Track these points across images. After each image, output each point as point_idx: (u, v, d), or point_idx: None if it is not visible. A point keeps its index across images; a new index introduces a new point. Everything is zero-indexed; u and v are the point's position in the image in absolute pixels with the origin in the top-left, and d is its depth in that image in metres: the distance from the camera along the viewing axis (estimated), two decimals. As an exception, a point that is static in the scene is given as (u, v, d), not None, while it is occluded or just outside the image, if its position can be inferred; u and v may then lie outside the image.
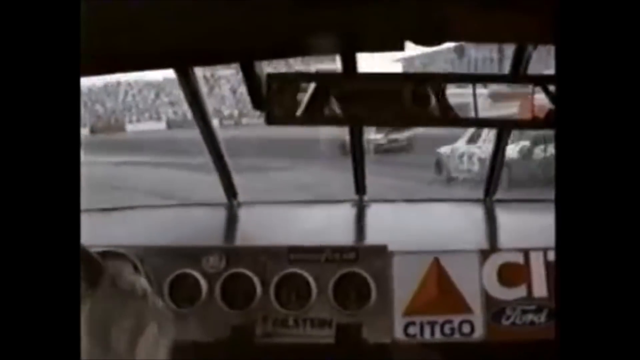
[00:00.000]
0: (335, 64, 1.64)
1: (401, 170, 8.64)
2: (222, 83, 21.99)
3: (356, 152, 2.23)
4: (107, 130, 21.47)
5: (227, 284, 1.75)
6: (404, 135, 10.72)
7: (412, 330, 1.72)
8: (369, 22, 1.08)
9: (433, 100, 1.27)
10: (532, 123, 1.31)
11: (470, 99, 1.28)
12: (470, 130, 8.72)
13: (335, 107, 1.29)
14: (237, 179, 2.32)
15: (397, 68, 12.93)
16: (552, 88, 1.25)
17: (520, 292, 1.73)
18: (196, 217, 2.38)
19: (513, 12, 0.99)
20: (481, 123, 1.48)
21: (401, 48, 1.19)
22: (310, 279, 1.73)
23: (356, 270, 1.73)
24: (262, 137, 11.13)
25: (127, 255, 1.69)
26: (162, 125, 22.35)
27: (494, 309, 1.72)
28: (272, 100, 1.29)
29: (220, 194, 2.33)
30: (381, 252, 1.75)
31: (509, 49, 1.71)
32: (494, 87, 1.31)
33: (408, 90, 1.27)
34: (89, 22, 0.74)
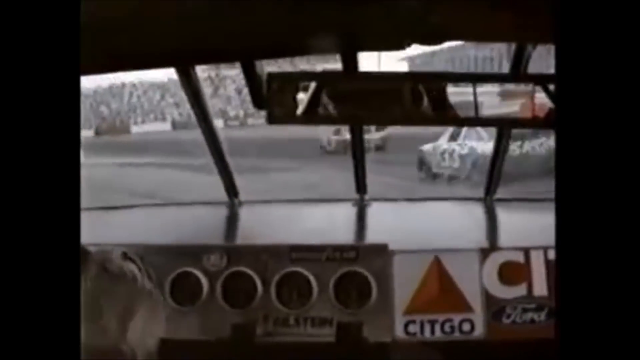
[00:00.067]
0: (339, 64, 1.64)
1: (384, 168, 8.66)
2: (227, 83, 22.00)
3: (357, 151, 2.23)
4: (112, 131, 21.50)
5: (228, 282, 1.75)
6: (377, 135, 10.91)
7: (412, 328, 1.72)
8: (369, 21, 1.08)
9: (433, 99, 1.27)
10: (533, 122, 1.31)
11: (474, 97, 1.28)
12: (451, 128, 8.83)
13: (336, 107, 1.29)
14: (241, 179, 2.32)
15: (403, 67, 12.99)
16: (552, 87, 1.25)
17: (520, 290, 1.74)
18: (197, 216, 2.39)
19: (513, 12, 0.99)
20: (482, 122, 1.48)
21: (401, 48, 1.19)
22: (311, 278, 1.73)
23: (357, 269, 1.74)
24: (268, 137, 11.16)
25: (128, 253, 1.69)
26: (167, 126, 22.40)
27: (495, 307, 1.72)
28: (272, 99, 1.29)
29: (222, 195, 2.34)
30: (382, 251, 1.76)
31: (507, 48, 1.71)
32: (504, 86, 1.31)
33: (408, 90, 1.27)
34: (89, 22, 0.74)
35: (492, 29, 1.20)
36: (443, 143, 10.20)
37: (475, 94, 1.25)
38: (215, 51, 1.34)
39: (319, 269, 1.75)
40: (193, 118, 2.09)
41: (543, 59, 1.69)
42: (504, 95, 1.30)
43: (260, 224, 2.24)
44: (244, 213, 2.34)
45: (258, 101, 1.45)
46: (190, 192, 7.06)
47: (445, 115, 1.28)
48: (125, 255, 1.51)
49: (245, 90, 1.57)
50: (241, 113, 21.55)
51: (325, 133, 12.89)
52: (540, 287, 1.72)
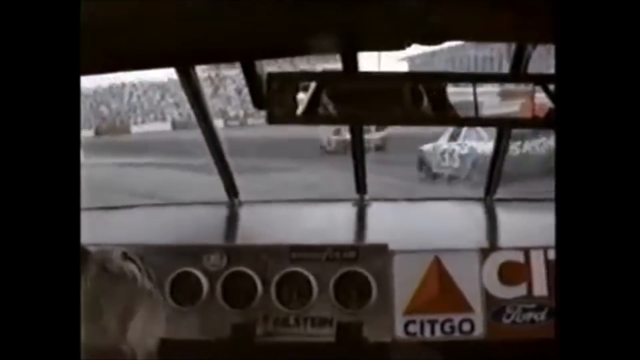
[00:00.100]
0: (339, 64, 1.64)
1: (384, 168, 8.67)
2: (228, 83, 21.99)
3: (357, 151, 2.23)
4: (112, 131, 21.49)
5: (228, 282, 1.75)
6: (377, 135, 10.93)
7: (412, 328, 1.72)
8: (369, 21, 1.08)
9: (433, 99, 1.26)
10: (533, 122, 1.31)
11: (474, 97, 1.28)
12: (451, 128, 8.84)
13: (336, 107, 1.29)
14: (241, 179, 2.32)
15: (403, 67, 12.99)
16: (552, 87, 1.25)
17: (520, 290, 1.74)
18: (197, 216, 2.39)
19: (513, 12, 0.99)
20: (482, 122, 1.48)
21: (401, 48, 1.19)
22: (311, 278, 1.73)
23: (357, 269, 1.74)
24: (268, 137, 11.16)
25: (128, 253, 1.69)
26: (167, 126, 22.38)
27: (495, 307, 1.72)
28: (272, 99, 1.29)
29: (222, 195, 2.34)
30: (382, 251, 1.76)
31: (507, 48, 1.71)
32: (504, 86, 1.31)
33: (408, 90, 1.27)
34: (89, 22, 0.74)
35: (492, 29, 1.20)
36: (443, 143, 10.23)
37: (475, 94, 1.25)
38: (215, 51, 1.34)
39: (319, 269, 1.75)
40: (193, 118, 2.09)
41: (543, 59, 1.69)
42: (504, 95, 1.29)
43: (260, 224, 2.24)
44: (244, 213, 2.34)
45: (258, 101, 1.45)
46: (190, 192, 7.06)
47: (445, 115, 1.28)
48: (125, 255, 1.51)
49: (245, 90, 1.57)
50: (241, 113, 21.55)
51: (325, 133, 12.89)
52: (540, 287, 1.72)
